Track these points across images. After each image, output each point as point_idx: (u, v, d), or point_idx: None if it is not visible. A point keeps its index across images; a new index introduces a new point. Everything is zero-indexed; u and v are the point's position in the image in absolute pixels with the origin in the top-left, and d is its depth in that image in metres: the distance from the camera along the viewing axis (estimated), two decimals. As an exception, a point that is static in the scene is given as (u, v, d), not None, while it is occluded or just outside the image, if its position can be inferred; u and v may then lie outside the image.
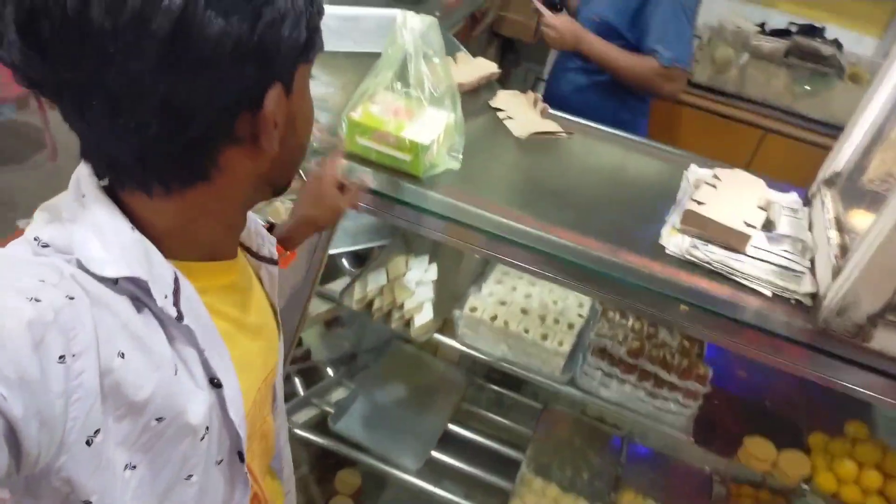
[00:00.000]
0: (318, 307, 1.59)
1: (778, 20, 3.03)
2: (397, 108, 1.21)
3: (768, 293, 1.15)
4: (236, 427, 0.67)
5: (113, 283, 0.56)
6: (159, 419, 0.58)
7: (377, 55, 1.23)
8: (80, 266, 0.55)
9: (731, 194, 1.29)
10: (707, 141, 2.78)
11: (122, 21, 0.48)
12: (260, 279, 0.80)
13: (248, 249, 0.78)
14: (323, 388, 1.87)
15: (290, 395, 1.82)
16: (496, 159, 1.39)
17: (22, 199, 2.92)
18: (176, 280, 0.60)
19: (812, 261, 1.21)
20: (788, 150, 2.75)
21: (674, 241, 1.21)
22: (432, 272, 1.57)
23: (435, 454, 1.75)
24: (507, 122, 1.48)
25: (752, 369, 1.74)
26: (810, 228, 1.30)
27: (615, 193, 1.38)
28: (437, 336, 1.58)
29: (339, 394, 1.87)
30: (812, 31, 2.92)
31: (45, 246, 0.56)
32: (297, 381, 1.85)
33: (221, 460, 0.68)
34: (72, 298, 0.51)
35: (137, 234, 0.58)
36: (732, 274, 1.16)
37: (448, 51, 1.62)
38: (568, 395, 1.56)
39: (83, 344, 0.51)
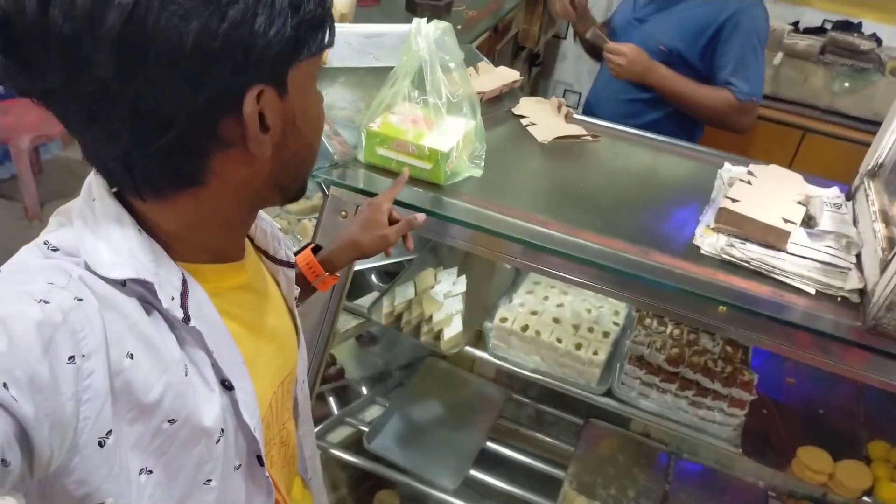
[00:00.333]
0: (346, 322, 1.58)
1: (812, 17, 2.95)
2: (416, 116, 1.20)
3: (812, 291, 1.09)
4: (251, 430, 0.66)
5: (121, 284, 0.56)
6: (171, 421, 0.58)
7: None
8: (88, 268, 0.55)
9: (767, 190, 1.24)
10: (744, 145, 2.70)
11: (77, 23, 0.48)
12: (277, 282, 0.79)
13: (264, 253, 0.77)
14: (357, 406, 1.85)
15: (324, 414, 1.81)
16: (520, 165, 1.36)
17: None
18: (184, 282, 0.60)
19: (858, 256, 1.15)
20: (830, 150, 2.65)
21: (708, 240, 1.16)
22: (461, 284, 1.54)
23: (473, 473, 1.71)
24: (530, 129, 1.46)
25: (801, 375, 1.66)
26: (855, 223, 1.24)
27: (646, 195, 1.34)
28: (472, 350, 1.55)
29: (373, 412, 1.85)
30: (848, 26, 2.84)
31: (55, 249, 0.57)
32: (331, 400, 1.84)
33: (240, 465, 0.68)
34: (80, 300, 0.52)
35: (145, 237, 0.59)
36: (772, 272, 1.11)
37: (469, 61, 1.62)
38: (610, 410, 1.50)
39: (92, 345, 0.51)
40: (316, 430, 1.69)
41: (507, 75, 1.61)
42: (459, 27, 2.25)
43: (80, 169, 3.31)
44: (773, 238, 1.14)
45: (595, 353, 1.45)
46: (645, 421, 1.51)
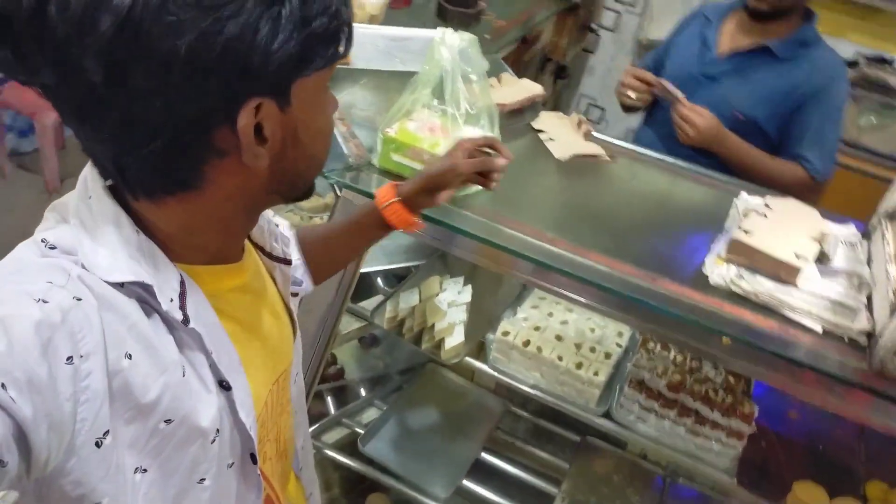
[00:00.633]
0: (349, 324, 1.58)
1: (844, 49, 2.91)
2: (433, 125, 1.20)
3: (819, 329, 1.07)
4: (248, 429, 0.66)
5: (119, 285, 0.55)
6: (168, 421, 0.58)
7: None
8: (86, 267, 0.55)
9: (782, 224, 1.22)
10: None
11: (71, 25, 0.47)
12: (274, 279, 0.79)
13: (261, 249, 0.77)
14: (354, 408, 1.84)
15: (321, 413, 1.80)
16: (534, 180, 1.36)
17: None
18: (182, 283, 0.60)
19: (869, 297, 1.13)
20: (852, 184, 2.62)
21: (718, 270, 1.15)
22: (466, 294, 1.54)
23: (466, 483, 1.70)
24: (548, 144, 1.45)
25: (804, 410, 1.64)
26: (869, 263, 1.22)
27: (658, 219, 1.33)
28: (471, 361, 1.54)
29: (370, 414, 1.84)
30: (881, 62, 2.80)
31: (53, 247, 0.56)
32: (329, 399, 1.83)
33: (233, 463, 0.67)
34: (79, 300, 0.51)
35: (143, 238, 0.58)
36: (780, 307, 1.10)
37: (494, 72, 1.61)
38: (607, 430, 1.49)
39: (91, 345, 0.51)
40: (312, 429, 1.69)
41: (530, 88, 1.60)
42: (487, 36, 2.25)
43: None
44: (783, 273, 1.12)
45: (595, 373, 1.45)
46: (647, 446, 1.50)
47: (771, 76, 1.67)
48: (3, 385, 0.45)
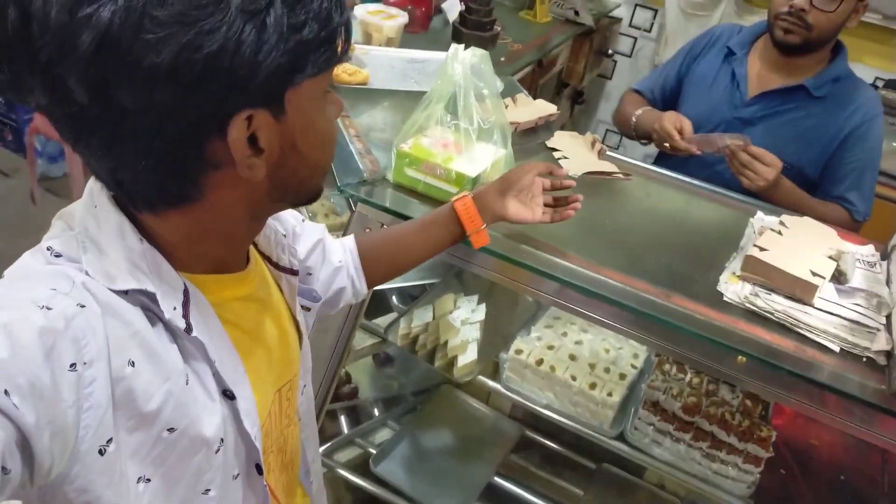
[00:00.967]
0: (363, 341, 1.57)
1: (862, 73, 2.89)
2: (447, 140, 1.21)
3: (836, 349, 1.05)
4: (252, 439, 0.66)
5: (123, 293, 0.56)
6: (171, 430, 0.58)
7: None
8: (91, 275, 0.55)
9: (797, 242, 1.21)
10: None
11: (53, 48, 0.47)
12: (280, 289, 0.79)
13: (268, 259, 0.77)
14: (367, 427, 1.83)
15: (334, 433, 1.80)
16: (549, 198, 1.36)
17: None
18: (185, 292, 0.60)
19: (889, 317, 1.11)
20: (874, 210, 2.58)
21: (732, 288, 1.14)
22: (480, 312, 1.53)
23: (477, 507, 1.68)
24: (562, 162, 1.45)
25: (826, 436, 1.60)
26: (888, 283, 1.20)
27: (673, 237, 1.32)
28: (487, 381, 1.53)
29: (383, 435, 1.83)
30: (899, 86, 2.79)
31: (58, 255, 0.56)
32: (342, 418, 1.83)
33: (238, 474, 0.67)
34: (83, 307, 0.52)
35: (147, 246, 0.58)
36: (796, 325, 1.08)
37: (509, 93, 1.63)
38: (624, 456, 1.47)
39: (94, 352, 0.51)
40: (324, 448, 1.68)
41: (544, 108, 1.61)
42: (503, 59, 2.27)
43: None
44: (799, 291, 1.11)
45: (609, 394, 1.43)
46: (657, 469, 1.47)
47: (809, 117, 1.61)
48: (5, 391, 0.45)
